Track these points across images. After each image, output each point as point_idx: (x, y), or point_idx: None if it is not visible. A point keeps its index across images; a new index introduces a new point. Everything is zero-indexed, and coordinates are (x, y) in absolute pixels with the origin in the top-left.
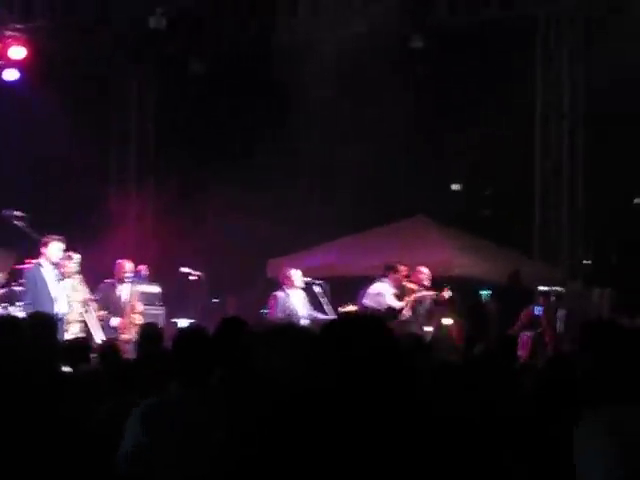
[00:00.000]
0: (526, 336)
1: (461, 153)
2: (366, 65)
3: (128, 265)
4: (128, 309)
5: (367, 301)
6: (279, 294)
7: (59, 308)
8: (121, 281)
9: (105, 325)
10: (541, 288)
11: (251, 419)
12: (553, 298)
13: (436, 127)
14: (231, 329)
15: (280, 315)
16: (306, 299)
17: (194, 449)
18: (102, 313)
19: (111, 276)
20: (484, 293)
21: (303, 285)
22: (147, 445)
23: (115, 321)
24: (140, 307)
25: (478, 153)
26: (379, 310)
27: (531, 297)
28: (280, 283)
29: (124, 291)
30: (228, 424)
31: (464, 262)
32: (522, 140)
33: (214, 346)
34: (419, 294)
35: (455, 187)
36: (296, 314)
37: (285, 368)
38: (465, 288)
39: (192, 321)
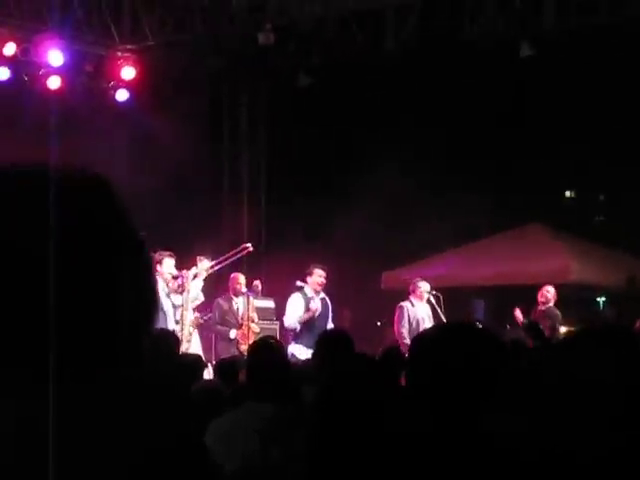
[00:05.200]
0: None
1: (574, 159)
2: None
3: (242, 278)
4: (246, 319)
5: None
6: (406, 305)
7: (170, 324)
8: (236, 294)
9: (224, 338)
10: None
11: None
12: None
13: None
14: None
15: (405, 326)
16: (430, 312)
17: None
18: (221, 328)
19: (225, 291)
20: (601, 300)
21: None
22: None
23: (234, 333)
24: (257, 317)
25: (590, 159)
26: None
27: None
28: (407, 293)
29: (240, 304)
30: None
31: (581, 268)
32: (633, 143)
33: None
34: None
35: (568, 194)
36: (422, 326)
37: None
38: (581, 295)
39: None
